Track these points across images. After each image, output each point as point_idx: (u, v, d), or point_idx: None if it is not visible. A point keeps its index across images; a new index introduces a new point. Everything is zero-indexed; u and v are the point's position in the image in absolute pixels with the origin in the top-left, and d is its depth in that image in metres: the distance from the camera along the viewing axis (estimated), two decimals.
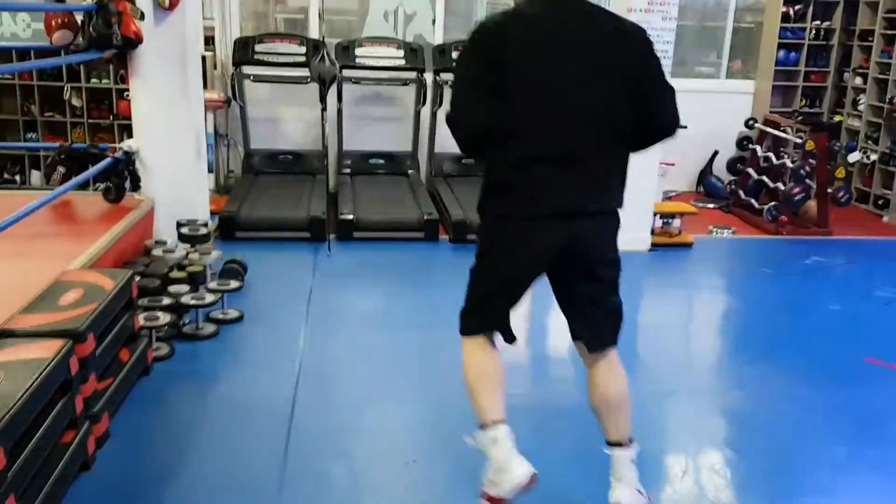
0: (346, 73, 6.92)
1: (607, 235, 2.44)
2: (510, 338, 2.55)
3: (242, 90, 6.94)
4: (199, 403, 3.35)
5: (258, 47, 6.85)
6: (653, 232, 5.91)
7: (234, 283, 4.17)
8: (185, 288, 3.95)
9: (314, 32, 7.16)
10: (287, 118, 7.41)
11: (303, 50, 6.88)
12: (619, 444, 2.46)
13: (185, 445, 2.99)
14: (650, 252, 5.79)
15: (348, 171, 7.14)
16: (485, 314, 2.51)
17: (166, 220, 4.66)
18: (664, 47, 5.59)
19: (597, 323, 2.47)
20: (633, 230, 5.71)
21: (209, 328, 3.95)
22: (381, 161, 7.34)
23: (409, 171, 7.27)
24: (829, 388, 3.74)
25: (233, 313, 4.15)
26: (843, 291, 5.25)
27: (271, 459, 2.89)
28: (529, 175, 2.30)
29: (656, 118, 2.37)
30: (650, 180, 5.75)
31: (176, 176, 4.74)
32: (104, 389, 2.95)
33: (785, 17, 7.74)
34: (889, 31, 7.21)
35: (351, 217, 5.82)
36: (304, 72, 6.75)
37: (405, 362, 3.85)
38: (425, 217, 5.89)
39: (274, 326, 4.17)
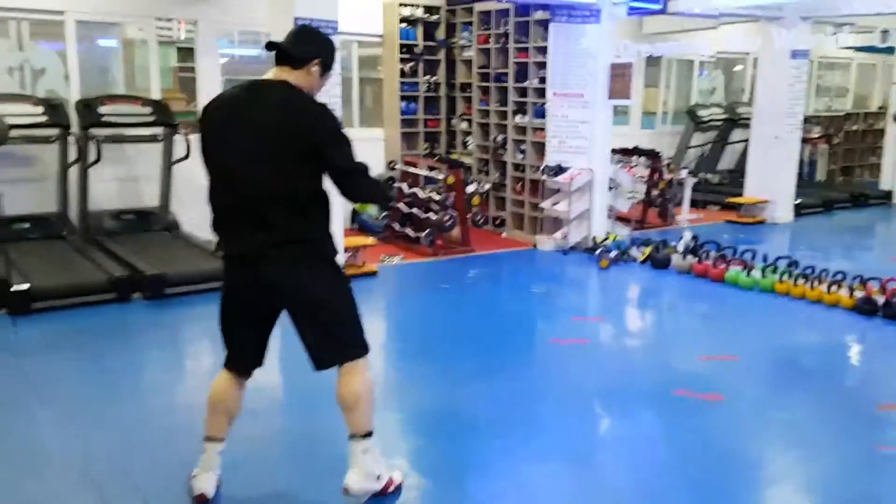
0: None
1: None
2: None
3: None
4: None
5: None
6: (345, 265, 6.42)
7: None
8: None
9: None
10: None
11: None
12: (352, 436, 2.89)
13: None
14: None
15: None
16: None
17: None
18: (333, 100, 6.15)
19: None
20: None
21: None
22: (27, 225, 6.58)
23: (64, 232, 6.65)
24: (536, 366, 4.67)
25: None
26: (507, 292, 6.42)
27: None
28: None
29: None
30: (338, 221, 6.27)
31: None
32: None
33: (402, 73, 8.98)
34: (483, 84, 8.89)
35: (26, 287, 5.17)
36: None
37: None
38: (116, 276, 5.52)
39: (5, 421, 3.65)
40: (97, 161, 6.56)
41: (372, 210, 8.53)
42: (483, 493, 3.09)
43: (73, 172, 6.78)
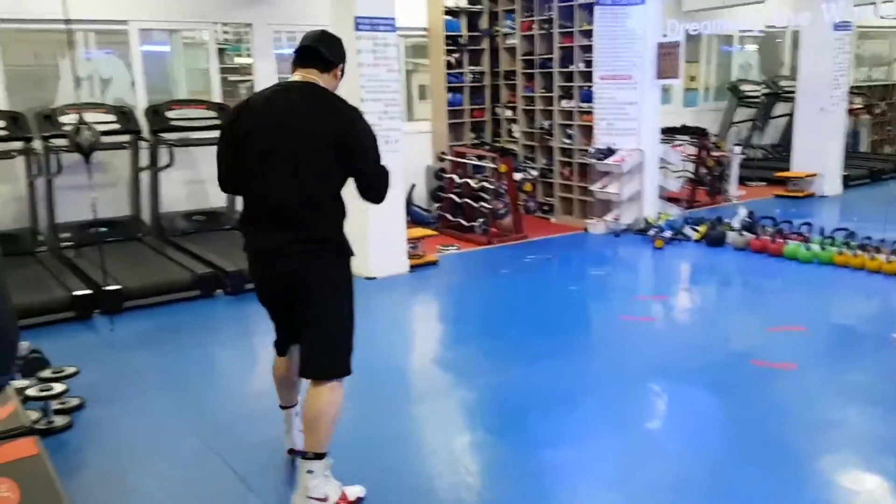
0: (56, 141, 6.39)
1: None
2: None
3: None
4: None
5: None
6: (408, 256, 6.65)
7: (69, 369, 3.80)
8: (24, 381, 3.52)
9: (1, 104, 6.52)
10: None
11: (1, 124, 6.22)
12: (303, 455, 2.87)
13: None
14: (411, 273, 6.51)
15: (70, 243, 6.58)
16: None
17: None
18: (391, 95, 6.37)
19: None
20: (395, 256, 6.45)
21: (60, 420, 3.57)
22: (105, 229, 6.88)
23: (139, 234, 6.96)
24: (605, 344, 4.85)
25: (73, 401, 3.78)
26: (566, 275, 6.59)
27: None
28: None
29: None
30: (399, 212, 6.51)
31: None
32: None
33: (448, 65, 9.15)
34: (527, 70, 9.02)
35: (118, 287, 5.47)
36: (6, 146, 6.23)
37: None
38: (199, 273, 5.80)
39: (130, 405, 3.93)
40: (170, 164, 6.84)
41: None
42: (562, 465, 3.28)
43: (144, 176, 7.08)
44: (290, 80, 2.85)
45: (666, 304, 5.75)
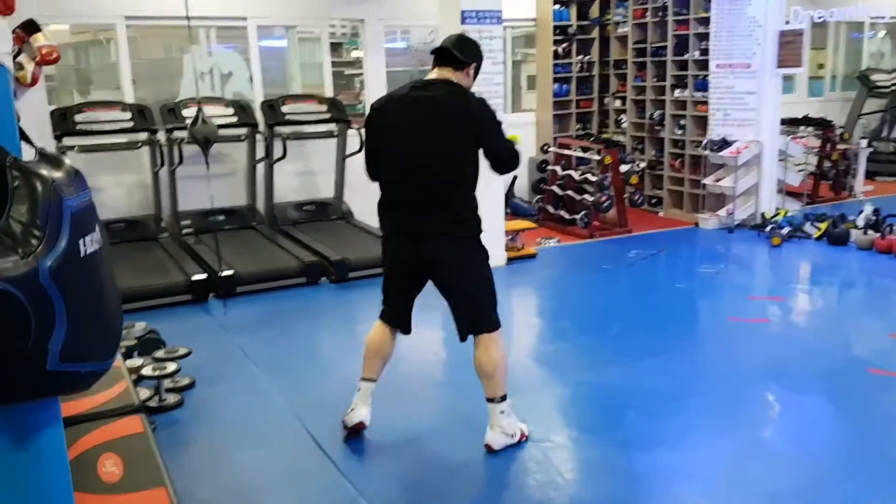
0: (178, 133, 6.77)
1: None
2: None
3: None
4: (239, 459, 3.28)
5: (78, 117, 6.47)
6: (505, 248, 6.62)
7: (182, 349, 4.03)
8: (137, 361, 3.77)
9: (128, 97, 6.97)
10: (110, 186, 7.02)
11: (127, 115, 6.64)
12: (490, 400, 3.26)
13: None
14: (508, 265, 6.48)
15: (190, 230, 6.96)
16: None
17: None
18: (496, 88, 6.34)
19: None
20: (492, 248, 6.44)
21: (172, 398, 3.80)
22: (222, 217, 7.24)
23: (254, 223, 7.28)
24: (713, 346, 4.66)
25: (184, 380, 4.00)
26: (673, 272, 6.37)
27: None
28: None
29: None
30: (499, 204, 6.49)
31: None
32: None
33: (555, 55, 9.02)
34: (638, 59, 8.77)
35: (231, 273, 5.75)
36: (132, 137, 6.63)
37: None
38: (306, 262, 6.02)
39: (235, 384, 4.13)
40: (283, 157, 7.11)
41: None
42: (658, 467, 3.18)
43: (259, 168, 7.38)
44: (427, 78, 3.21)
45: (782, 305, 5.45)
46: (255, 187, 7.42)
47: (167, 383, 3.89)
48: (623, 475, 3.13)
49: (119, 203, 7.01)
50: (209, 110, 6.97)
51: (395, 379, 3.75)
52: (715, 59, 7.67)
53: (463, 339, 3.26)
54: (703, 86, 7.93)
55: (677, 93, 8.28)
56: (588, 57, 9.27)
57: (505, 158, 3.22)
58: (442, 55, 3.19)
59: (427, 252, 3.14)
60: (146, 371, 3.71)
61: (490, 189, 6.27)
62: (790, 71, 7.63)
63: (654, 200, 8.84)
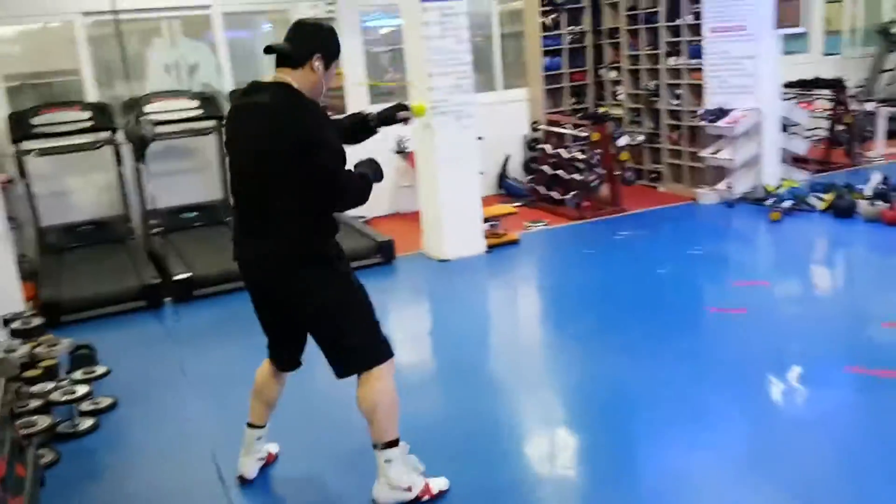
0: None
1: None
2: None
3: (23, 167, 6.31)
4: None
5: (35, 120, 6.28)
6: (485, 235, 6.27)
7: (100, 369, 3.81)
8: (49, 385, 3.54)
9: (90, 96, 6.75)
10: (76, 188, 6.84)
11: (87, 115, 6.42)
12: (374, 446, 2.75)
13: None
14: (488, 253, 6.14)
15: (161, 229, 6.74)
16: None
17: None
18: (462, 67, 5.97)
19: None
20: (466, 237, 6.11)
21: (86, 422, 3.58)
22: (194, 214, 7.03)
23: (227, 219, 7.04)
24: (691, 338, 4.28)
25: (105, 401, 3.79)
26: (659, 255, 5.94)
27: None
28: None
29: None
30: (474, 190, 6.13)
31: None
32: None
33: (543, 27, 8.54)
34: (632, 27, 8.25)
35: (188, 275, 5.51)
36: (92, 137, 6.40)
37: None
38: None
39: (158, 406, 3.88)
40: None
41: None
42: (646, 470, 2.85)
43: None
44: (261, 80, 2.69)
45: (766, 291, 5.00)
46: (226, 182, 7.17)
47: (86, 405, 3.68)
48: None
49: (88, 204, 6.84)
50: (173, 104, 6.77)
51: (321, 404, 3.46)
52: (708, 23, 7.15)
53: (339, 377, 2.76)
54: (697, 52, 7.42)
55: (671, 60, 7.77)
56: (580, 27, 8.77)
57: (338, 186, 2.55)
58: (273, 54, 2.63)
59: (267, 283, 2.70)
60: (55, 396, 3.48)
61: (462, 172, 5.96)
62: (789, 30, 7.07)
63: (653, 175, 8.37)
